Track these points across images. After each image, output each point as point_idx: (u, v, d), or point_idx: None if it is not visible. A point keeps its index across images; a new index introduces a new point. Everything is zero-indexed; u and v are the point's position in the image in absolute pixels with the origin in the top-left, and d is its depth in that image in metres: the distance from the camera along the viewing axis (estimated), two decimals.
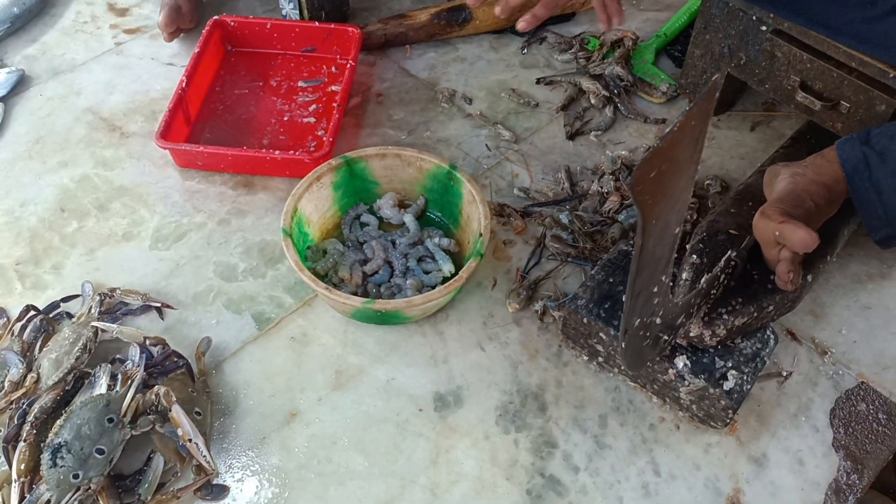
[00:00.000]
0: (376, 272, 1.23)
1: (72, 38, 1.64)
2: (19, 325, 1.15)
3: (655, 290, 0.84)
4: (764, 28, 1.25)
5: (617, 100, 1.50)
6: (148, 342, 1.11)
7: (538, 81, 1.56)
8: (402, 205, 1.33)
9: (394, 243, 1.27)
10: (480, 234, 1.16)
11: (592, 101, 1.50)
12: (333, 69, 1.57)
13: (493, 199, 1.35)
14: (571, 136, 1.45)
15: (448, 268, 1.23)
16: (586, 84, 1.52)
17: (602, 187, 1.34)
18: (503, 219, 1.33)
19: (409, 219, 1.29)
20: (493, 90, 1.55)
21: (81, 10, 1.70)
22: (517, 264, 1.27)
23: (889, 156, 1.00)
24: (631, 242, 1.17)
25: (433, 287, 1.20)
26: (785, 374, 1.12)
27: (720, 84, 0.73)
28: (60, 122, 1.48)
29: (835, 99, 1.22)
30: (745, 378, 1.01)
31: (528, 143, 1.45)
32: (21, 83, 1.54)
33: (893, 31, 1.06)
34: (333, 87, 1.53)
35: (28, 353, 1.11)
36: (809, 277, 1.09)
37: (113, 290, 1.20)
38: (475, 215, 1.21)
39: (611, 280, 1.11)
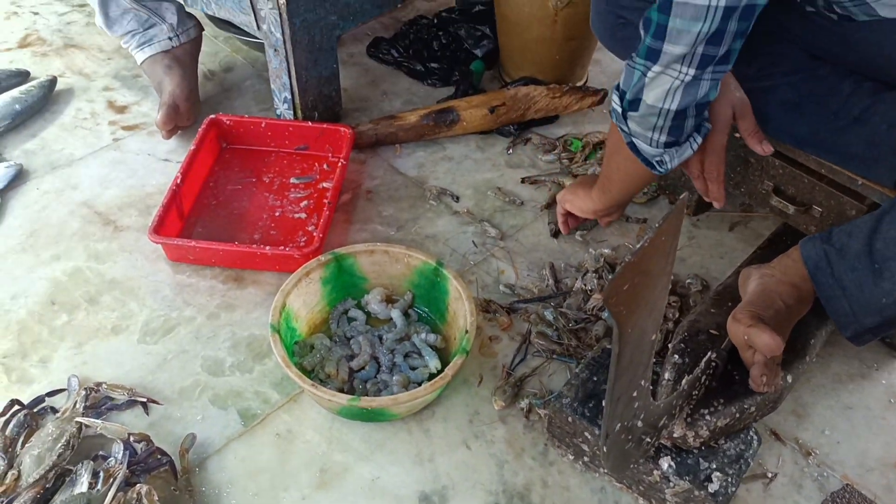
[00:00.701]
0: (363, 368, 1.24)
1: (71, 134, 1.69)
2: (2, 420, 1.15)
3: (635, 394, 0.86)
4: (737, 135, 1.32)
5: None
6: (132, 438, 1.11)
7: (523, 181, 1.62)
8: (389, 300, 1.35)
9: (381, 339, 1.29)
10: (466, 331, 1.18)
11: None
12: (325, 166, 1.62)
13: (480, 295, 1.37)
14: (556, 234, 1.49)
15: (434, 364, 1.24)
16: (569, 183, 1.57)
17: (586, 285, 1.37)
18: (489, 315, 1.35)
19: (396, 314, 1.31)
20: (479, 188, 1.60)
21: (82, 108, 1.76)
22: (503, 360, 1.28)
23: (848, 252, 1.02)
24: None
25: (419, 383, 1.20)
26: (770, 475, 1.13)
27: (686, 202, 0.77)
28: (55, 215, 1.51)
29: (807, 203, 1.27)
30: (729, 480, 1.02)
31: (514, 240, 1.49)
32: (18, 177, 1.57)
33: (856, 141, 1.12)
34: (325, 184, 1.58)
35: (10, 449, 1.10)
36: (790, 378, 1.11)
37: (99, 384, 1.20)
38: (461, 311, 1.23)
39: (595, 378, 1.12)
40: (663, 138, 1.05)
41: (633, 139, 1.08)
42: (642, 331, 0.77)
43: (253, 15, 1.52)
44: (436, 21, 1.95)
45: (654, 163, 1.10)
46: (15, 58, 1.87)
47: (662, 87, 0.98)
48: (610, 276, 1.37)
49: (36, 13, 2.02)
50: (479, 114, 1.68)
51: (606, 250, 1.45)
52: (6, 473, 1.06)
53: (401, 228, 1.51)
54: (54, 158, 1.63)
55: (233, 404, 1.21)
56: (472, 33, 1.90)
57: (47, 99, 1.75)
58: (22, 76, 1.79)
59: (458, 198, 1.57)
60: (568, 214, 1.40)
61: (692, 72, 0.95)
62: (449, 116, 1.67)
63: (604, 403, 0.89)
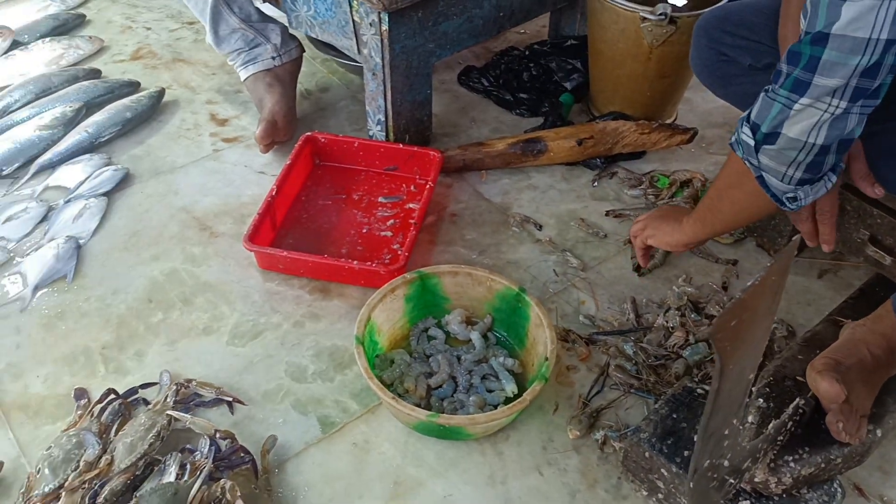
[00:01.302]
0: (440, 386, 1.26)
1: (175, 143, 1.78)
2: (99, 407, 1.21)
3: (727, 432, 0.85)
4: None
5: None
6: (218, 435, 1.15)
7: (607, 213, 1.62)
8: (469, 322, 1.37)
9: (459, 359, 1.31)
10: (546, 359, 1.19)
11: None
12: (412, 188, 1.66)
13: (559, 324, 1.38)
14: (638, 269, 1.49)
15: (511, 388, 1.25)
16: None
17: (668, 322, 1.36)
18: (568, 344, 1.35)
19: (475, 336, 1.33)
20: (562, 218, 1.61)
21: (186, 118, 1.85)
22: (580, 391, 1.28)
23: None
24: (696, 379, 1.18)
25: (495, 406, 1.22)
26: None
27: (797, 244, 0.77)
28: (157, 218, 1.59)
29: None
30: None
31: (595, 271, 1.50)
32: (125, 180, 1.66)
33: None
34: (411, 205, 1.62)
35: (105, 435, 1.16)
36: (879, 432, 1.08)
37: (189, 381, 1.25)
38: (541, 339, 1.24)
39: (675, 416, 1.11)
40: (799, 174, 1.00)
41: (763, 174, 1.03)
42: (742, 368, 0.77)
43: (355, 39, 1.58)
44: (527, 53, 1.99)
45: (785, 199, 1.05)
46: (127, 69, 1.99)
47: (809, 121, 0.95)
48: (692, 315, 1.36)
49: (149, 28, 2.14)
50: (567, 145, 1.69)
51: (690, 288, 1.44)
52: (100, 458, 1.12)
53: (483, 252, 1.53)
54: (158, 165, 1.72)
55: (313, 411, 1.24)
56: (563, 66, 1.92)
57: (155, 109, 1.84)
58: (133, 86, 1.90)
59: (540, 226, 1.59)
60: (647, 248, 1.38)
61: (843, 104, 0.92)
62: (536, 146, 1.69)
63: (695, 437, 0.89)
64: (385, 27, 1.48)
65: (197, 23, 2.14)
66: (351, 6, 1.52)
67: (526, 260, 1.52)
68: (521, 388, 1.25)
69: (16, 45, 1.98)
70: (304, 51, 1.84)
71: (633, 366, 1.30)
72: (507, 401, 1.22)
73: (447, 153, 1.68)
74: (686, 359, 1.30)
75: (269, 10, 1.80)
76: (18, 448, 1.19)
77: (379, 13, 1.45)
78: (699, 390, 1.14)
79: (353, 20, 1.54)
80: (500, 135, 1.78)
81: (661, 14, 1.59)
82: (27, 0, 2.15)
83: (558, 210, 1.64)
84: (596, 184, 1.70)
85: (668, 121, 1.83)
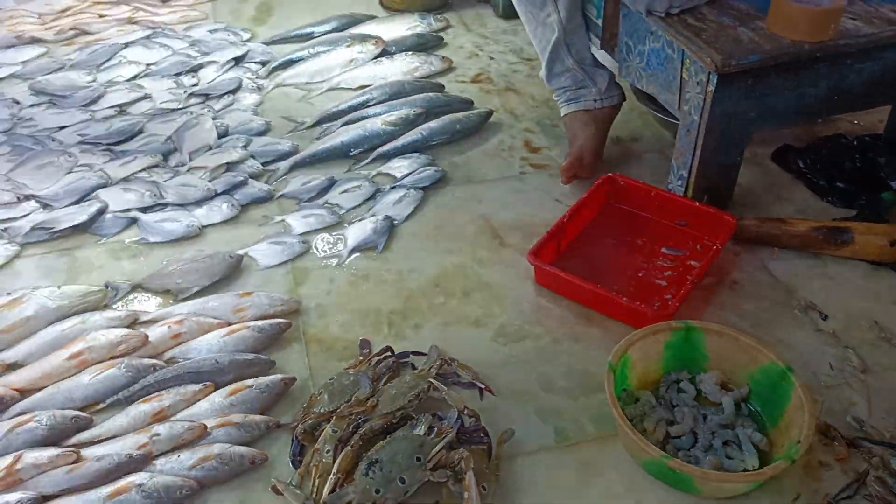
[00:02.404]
0: (680, 436, 1.27)
1: (490, 159, 1.98)
2: (377, 359, 1.40)
3: None
4: None
5: None
6: (466, 412, 1.27)
7: None
8: (724, 386, 1.35)
9: (705, 417, 1.30)
10: (798, 441, 1.14)
11: None
12: (698, 247, 1.67)
13: (821, 418, 1.31)
14: None
15: (752, 462, 1.22)
16: None
17: None
18: (826, 440, 1.28)
19: (727, 401, 1.31)
20: (853, 315, 1.52)
21: (504, 140, 2.05)
22: (827, 489, 1.20)
23: None
24: None
25: None
26: None
27: None
28: (459, 218, 1.78)
29: None
30: None
31: (878, 377, 1.39)
32: (441, 181, 1.89)
33: None
34: (693, 262, 1.63)
35: (376, 382, 1.34)
36: None
37: (452, 360, 1.40)
38: (797, 422, 1.19)
39: None
40: None
41: None
42: None
43: (678, 95, 1.64)
44: (855, 143, 1.90)
45: None
46: (466, 89, 2.25)
47: None
48: None
49: (492, 58, 2.40)
50: (877, 243, 1.59)
51: None
52: (369, 399, 1.30)
53: (756, 325, 1.49)
54: (471, 174, 1.92)
55: (552, 420, 1.32)
56: (893, 163, 1.80)
57: (481, 126, 2.06)
58: (467, 104, 2.14)
59: (826, 316, 1.51)
60: None
61: None
62: (842, 236, 1.61)
63: None
64: (711, 88, 1.53)
65: (534, 60, 2.34)
66: (683, 63, 1.58)
67: (800, 345, 1.46)
68: (763, 467, 1.21)
69: (384, 53, 2.34)
70: (625, 100, 1.94)
71: None
72: None
73: (743, 221, 1.67)
74: None
75: (601, 56, 1.93)
76: (309, 372, 1.42)
77: (709, 73, 1.50)
78: None
79: (681, 76, 1.60)
80: (804, 216, 1.72)
81: None
82: (401, 18, 2.52)
83: (850, 306, 1.54)
84: None
85: None
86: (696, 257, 1.64)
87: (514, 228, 1.75)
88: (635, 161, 1.96)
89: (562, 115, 1.94)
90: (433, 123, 2.02)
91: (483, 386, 1.36)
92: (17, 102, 2.15)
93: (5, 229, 1.73)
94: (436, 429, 1.23)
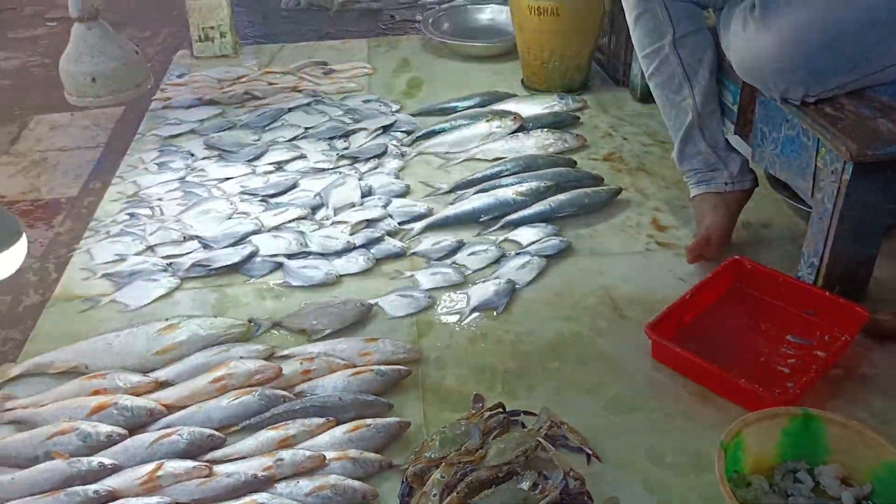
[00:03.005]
0: None
1: (615, 234, 2.02)
2: (489, 413, 1.45)
3: None
4: None
5: None
6: (571, 474, 1.30)
7: None
8: (845, 481, 1.30)
9: None
10: None
11: None
12: (826, 337, 1.63)
13: None
14: None
15: None
16: None
17: None
18: None
19: (847, 497, 1.26)
20: None
21: (631, 217, 2.09)
22: None
23: None
24: None
25: None
26: None
27: None
28: (580, 288, 1.83)
29: None
30: None
31: None
32: (565, 251, 1.94)
33: None
34: (819, 353, 1.59)
35: (486, 435, 1.39)
36: None
37: (562, 422, 1.43)
38: None
39: None
40: None
41: None
42: None
43: (812, 183, 1.64)
44: None
45: None
46: (597, 166, 2.31)
47: None
48: None
49: (625, 139, 2.46)
50: None
51: None
52: (478, 450, 1.35)
53: (885, 423, 1.43)
54: (596, 247, 1.97)
55: (659, 494, 1.31)
56: None
57: (609, 203, 2.12)
58: (597, 180, 2.20)
59: None
60: None
61: None
62: None
63: None
64: (846, 177, 1.52)
65: (667, 143, 2.38)
66: (818, 151, 1.59)
67: None
68: None
69: (521, 129, 2.45)
70: (758, 185, 1.94)
71: None
72: None
73: (877, 316, 1.61)
74: None
75: (735, 141, 1.95)
76: (423, 418, 1.49)
77: (844, 163, 1.50)
78: None
79: (816, 164, 1.60)
80: None
81: None
82: (541, 98, 2.64)
83: None
84: None
85: None
86: (823, 348, 1.60)
87: (634, 302, 1.77)
88: (764, 247, 1.94)
89: (691, 195, 1.96)
90: (562, 196, 2.09)
91: (591, 451, 1.38)
92: (192, 154, 2.42)
93: (170, 264, 1.94)
94: (540, 486, 1.27)
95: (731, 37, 1.69)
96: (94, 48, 1.36)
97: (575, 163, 2.30)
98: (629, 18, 1.90)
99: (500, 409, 1.46)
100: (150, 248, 2.00)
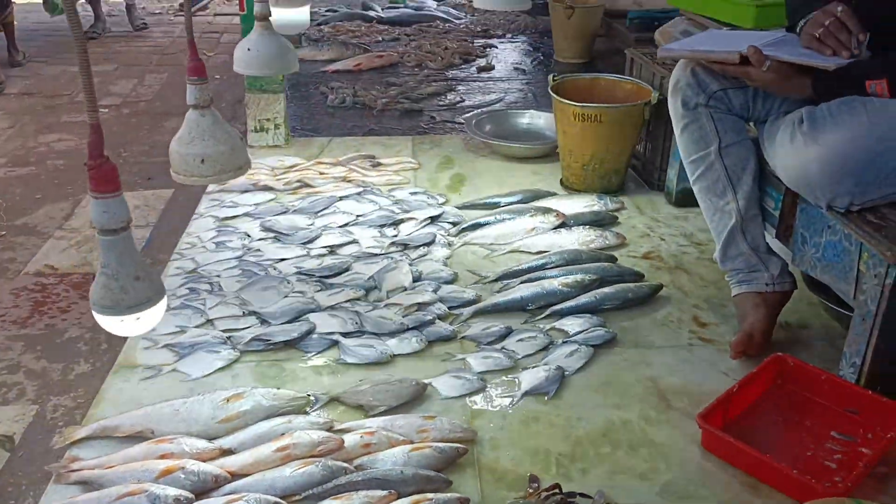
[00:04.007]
0: None
1: (658, 328, 2.10)
2: (546, 493, 1.49)
3: None
4: None
5: None
6: None
7: None
8: None
9: None
10: None
11: None
12: (869, 435, 1.67)
13: None
14: None
15: None
16: None
17: None
18: None
19: None
20: None
21: (672, 312, 2.17)
22: None
23: None
24: None
25: None
26: None
27: None
28: (626, 378, 1.89)
29: None
30: None
31: None
32: (610, 342, 2.02)
33: None
34: (864, 449, 1.63)
35: None
36: None
37: None
38: None
39: None
40: None
41: None
42: None
43: (854, 285, 1.72)
44: None
45: None
46: (637, 263, 2.41)
47: None
48: None
49: (662, 239, 2.57)
50: None
51: None
52: None
53: None
54: (640, 339, 2.05)
55: None
56: None
57: (650, 298, 2.20)
58: (638, 276, 2.30)
59: None
60: None
61: None
62: None
63: None
64: (890, 281, 1.61)
65: (702, 245, 2.50)
66: (860, 256, 1.68)
67: None
68: None
69: (563, 225, 2.57)
70: (796, 287, 2.03)
71: None
72: None
73: None
74: None
75: (774, 244, 2.05)
76: (481, 496, 1.53)
77: (888, 266, 1.59)
78: None
79: (859, 268, 1.69)
80: None
81: None
82: (580, 197, 2.78)
83: None
84: None
85: None
86: (868, 445, 1.65)
87: (680, 393, 1.83)
88: (803, 347, 2.01)
89: (733, 294, 2.05)
90: (607, 289, 2.18)
91: None
92: (248, 236, 2.53)
93: (230, 337, 2.02)
94: None
95: (777, 148, 1.82)
96: (205, 132, 1.49)
97: (616, 259, 2.40)
98: (676, 127, 2.04)
99: (557, 490, 1.50)
100: (210, 321, 2.09)
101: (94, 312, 1.28)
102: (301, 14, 2.73)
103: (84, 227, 2.95)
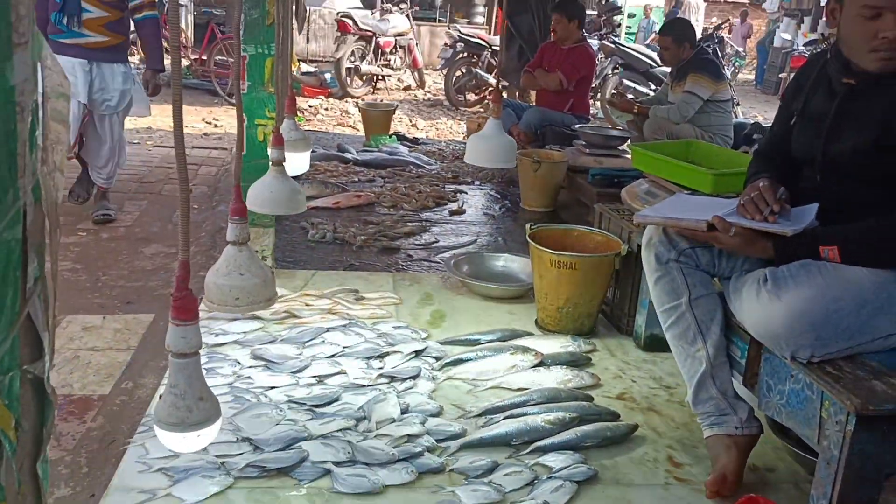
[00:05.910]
0: None
1: (635, 466, 2.21)
2: None
3: None
4: None
5: None
6: None
7: None
8: None
9: None
10: None
11: None
12: None
13: None
14: None
15: None
16: None
17: None
18: None
19: None
20: None
21: (648, 452, 2.28)
22: None
23: None
24: None
25: None
26: None
27: None
28: None
29: None
30: None
31: None
32: (591, 479, 2.11)
33: None
34: None
35: None
36: None
37: None
38: None
39: None
40: None
41: None
42: None
43: (818, 431, 1.88)
44: None
45: None
46: (611, 403, 2.54)
47: None
48: None
49: (633, 381, 2.73)
50: None
51: None
52: None
53: None
54: (619, 477, 2.15)
55: None
56: None
57: (626, 438, 2.33)
58: (614, 416, 2.43)
59: None
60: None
61: None
62: None
63: None
64: (850, 428, 1.77)
65: (672, 388, 2.66)
66: (822, 404, 1.85)
67: None
68: None
69: (541, 364, 2.72)
70: (763, 431, 2.18)
71: None
72: None
73: None
74: None
75: (741, 390, 2.22)
76: None
77: (848, 414, 1.76)
78: None
79: (821, 415, 1.86)
80: None
81: None
82: (554, 338, 2.94)
83: None
84: None
85: None
86: None
87: None
88: (771, 489, 2.14)
89: (705, 436, 2.18)
90: (587, 427, 2.30)
91: None
92: (239, 363, 2.60)
93: (223, 463, 2.05)
94: None
95: (743, 303, 2.03)
96: (241, 267, 1.63)
97: (592, 398, 2.54)
98: (650, 279, 2.25)
99: None
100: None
101: (156, 428, 1.35)
102: (303, 159, 2.94)
103: (64, 349, 2.98)
